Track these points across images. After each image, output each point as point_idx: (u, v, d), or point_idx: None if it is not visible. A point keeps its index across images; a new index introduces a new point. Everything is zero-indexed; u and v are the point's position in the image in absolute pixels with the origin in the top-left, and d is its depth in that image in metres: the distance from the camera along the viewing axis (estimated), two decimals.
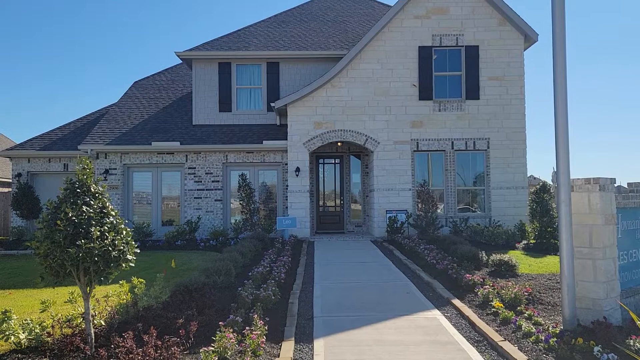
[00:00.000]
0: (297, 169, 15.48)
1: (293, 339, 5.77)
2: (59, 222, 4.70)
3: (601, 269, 5.83)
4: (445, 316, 6.73)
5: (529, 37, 15.75)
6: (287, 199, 15.88)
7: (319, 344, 5.65)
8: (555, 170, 5.91)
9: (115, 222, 5.07)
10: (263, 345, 5.42)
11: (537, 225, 12.88)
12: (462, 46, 15.69)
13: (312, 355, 5.34)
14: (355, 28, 19.22)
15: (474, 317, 6.48)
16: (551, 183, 13.99)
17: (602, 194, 5.91)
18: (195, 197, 16.14)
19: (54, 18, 77.46)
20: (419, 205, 14.59)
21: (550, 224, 12.52)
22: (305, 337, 5.91)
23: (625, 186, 7.10)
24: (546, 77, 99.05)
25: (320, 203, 17.61)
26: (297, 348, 5.54)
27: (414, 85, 15.63)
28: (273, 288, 7.45)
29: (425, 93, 15.64)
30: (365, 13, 20.61)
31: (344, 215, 17.53)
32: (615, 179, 6.10)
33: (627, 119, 79.43)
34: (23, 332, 5.35)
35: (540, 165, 68.57)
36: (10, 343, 5.32)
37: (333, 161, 17.69)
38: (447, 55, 15.83)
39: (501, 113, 15.64)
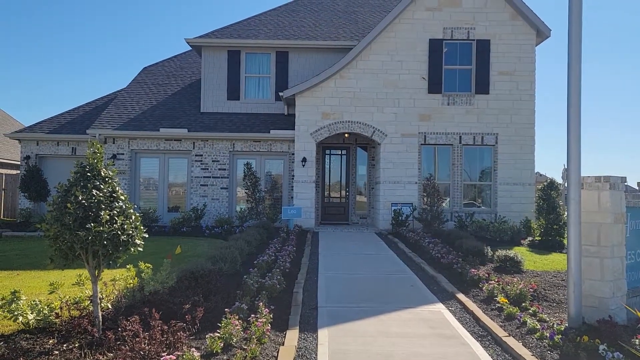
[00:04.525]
0: (304, 159, 15.48)
1: (297, 327, 5.80)
2: (69, 205, 4.72)
3: (609, 268, 5.81)
4: (450, 310, 6.74)
5: (541, 32, 15.59)
6: (292, 189, 15.89)
7: (323, 334, 5.67)
8: (566, 167, 5.88)
9: (124, 206, 5.09)
10: (268, 333, 5.45)
11: (543, 222, 12.84)
12: (473, 40, 15.55)
13: (317, 344, 5.36)
14: (366, 18, 19.09)
15: (478, 312, 6.48)
16: (560, 181, 13.91)
17: (612, 192, 5.87)
18: (201, 185, 16.18)
19: None
20: (425, 198, 14.58)
21: (556, 221, 12.47)
22: (309, 327, 5.94)
23: (635, 186, 7.06)
24: (558, 73, 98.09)
25: (326, 194, 17.62)
26: (301, 337, 5.57)
27: (424, 78, 15.54)
28: (278, 277, 7.48)
29: (434, 86, 15.55)
30: (376, 3, 20.46)
31: (349, 207, 17.53)
32: (625, 177, 6.06)
33: (637, 120, 78.69)
34: (31, 313, 5.41)
35: (546, 161, 68.19)
36: (19, 323, 5.38)
37: (339, 152, 17.67)
38: (457, 48, 15.71)
39: (511, 108, 15.53)
